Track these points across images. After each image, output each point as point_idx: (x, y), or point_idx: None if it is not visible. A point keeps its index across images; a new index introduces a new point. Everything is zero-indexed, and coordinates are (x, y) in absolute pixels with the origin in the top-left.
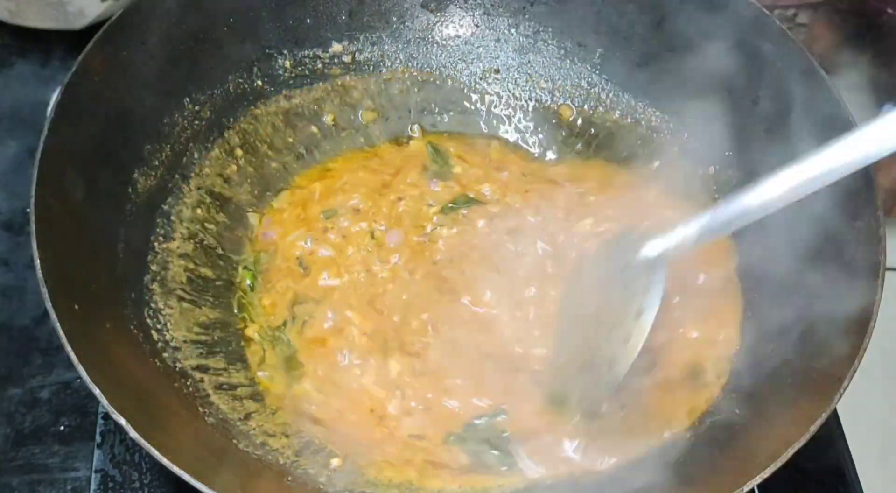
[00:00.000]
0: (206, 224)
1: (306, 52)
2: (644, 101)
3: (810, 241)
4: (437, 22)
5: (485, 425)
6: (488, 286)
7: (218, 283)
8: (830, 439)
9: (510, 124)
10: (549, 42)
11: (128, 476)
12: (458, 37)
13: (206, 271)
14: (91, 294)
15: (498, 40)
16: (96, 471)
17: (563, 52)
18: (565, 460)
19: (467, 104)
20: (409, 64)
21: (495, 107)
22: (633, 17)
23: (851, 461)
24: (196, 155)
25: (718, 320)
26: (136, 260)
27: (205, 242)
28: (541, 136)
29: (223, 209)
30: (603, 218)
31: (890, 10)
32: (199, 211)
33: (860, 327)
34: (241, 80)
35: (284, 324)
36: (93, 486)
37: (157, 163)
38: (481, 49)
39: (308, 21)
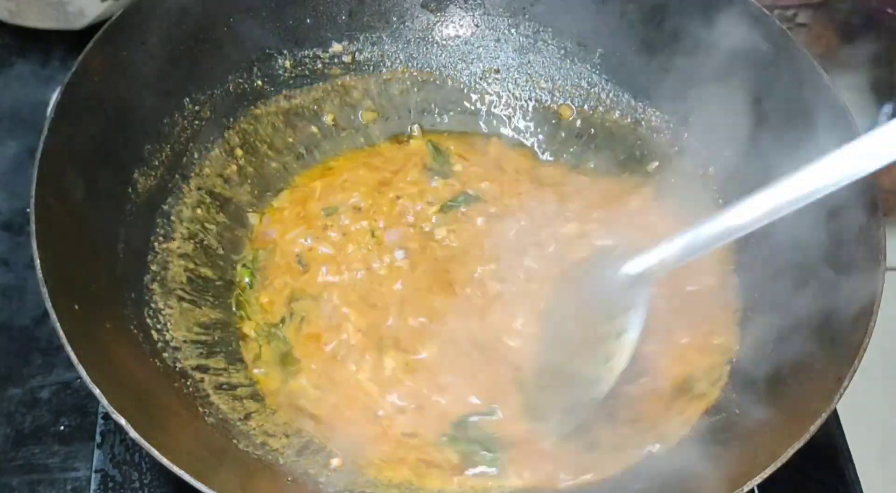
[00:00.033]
0: (206, 224)
1: (306, 52)
2: (644, 101)
3: (810, 241)
4: (437, 22)
5: (477, 424)
6: (485, 284)
7: (218, 283)
8: (830, 439)
9: (510, 125)
10: (549, 42)
11: (128, 476)
12: (458, 37)
13: (206, 271)
14: (91, 294)
15: (498, 40)
16: (96, 471)
17: (563, 52)
18: (548, 472)
19: (467, 104)
20: (409, 64)
21: (495, 107)
22: (633, 17)
23: (851, 461)
24: (196, 155)
25: (711, 326)
26: (136, 260)
27: (205, 243)
28: (540, 136)
29: (223, 209)
30: (589, 221)
31: (890, 10)
32: (199, 211)
33: (860, 327)
34: (241, 81)
35: (283, 321)
36: (93, 486)
37: (157, 163)
38: (481, 49)
39: (308, 21)
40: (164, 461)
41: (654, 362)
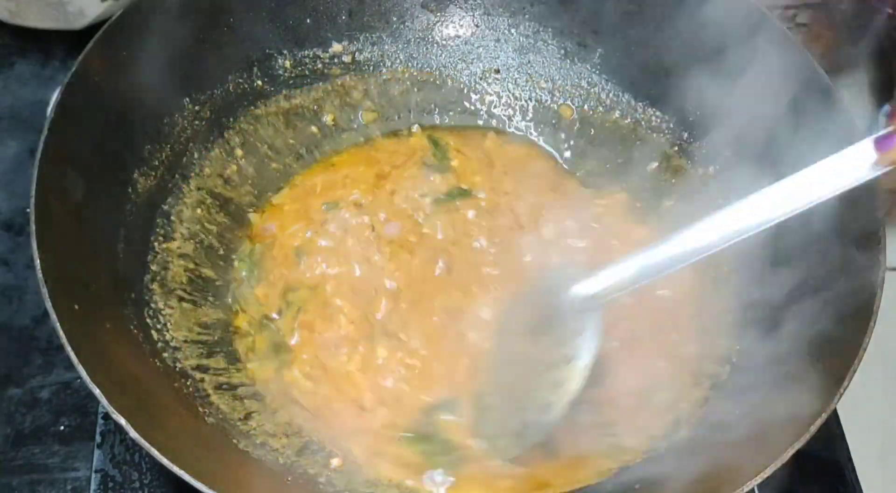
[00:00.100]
0: (207, 224)
1: (306, 52)
2: (644, 101)
3: (810, 240)
4: (437, 22)
5: (441, 426)
6: (475, 280)
7: (218, 283)
8: (830, 439)
9: (510, 125)
10: (549, 42)
11: (128, 476)
12: (458, 37)
13: (207, 271)
14: (91, 294)
15: (498, 40)
16: (96, 471)
17: (563, 52)
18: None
19: (467, 104)
20: (409, 64)
21: (495, 107)
22: (633, 17)
23: (851, 461)
24: (196, 155)
25: (679, 334)
26: (136, 260)
27: (205, 243)
28: (540, 136)
29: (223, 209)
30: (566, 225)
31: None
32: (199, 211)
33: (860, 327)
34: (241, 81)
35: (279, 312)
36: (93, 486)
37: (157, 163)
38: (481, 49)
39: (308, 21)
40: (164, 461)
41: (618, 368)
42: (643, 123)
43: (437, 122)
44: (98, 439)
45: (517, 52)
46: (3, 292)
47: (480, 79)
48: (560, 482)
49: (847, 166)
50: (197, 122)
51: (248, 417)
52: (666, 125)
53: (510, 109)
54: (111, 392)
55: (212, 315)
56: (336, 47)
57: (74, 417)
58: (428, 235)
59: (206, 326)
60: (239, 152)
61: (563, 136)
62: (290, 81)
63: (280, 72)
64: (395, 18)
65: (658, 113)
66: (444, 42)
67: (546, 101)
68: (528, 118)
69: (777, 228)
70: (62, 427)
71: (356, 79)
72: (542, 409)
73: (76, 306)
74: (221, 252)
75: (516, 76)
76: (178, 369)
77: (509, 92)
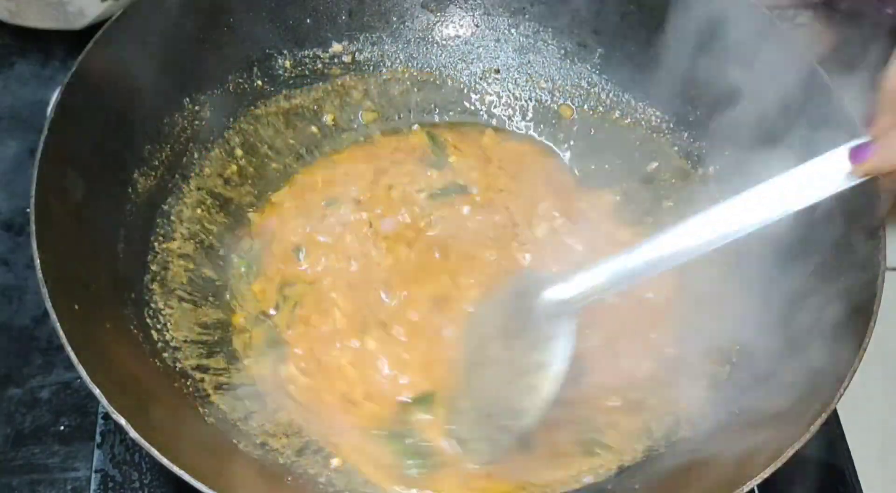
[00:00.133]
0: (207, 224)
1: (306, 52)
2: (644, 101)
3: (810, 240)
4: (437, 22)
5: (420, 425)
6: (466, 276)
7: (218, 283)
8: (830, 439)
9: (510, 125)
10: (549, 42)
11: (128, 476)
12: (458, 37)
13: (207, 271)
14: (91, 294)
15: (498, 40)
16: (96, 471)
17: (563, 52)
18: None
19: (467, 104)
20: (409, 64)
21: (495, 107)
22: (633, 17)
23: (851, 461)
24: (196, 155)
25: (658, 334)
26: (136, 260)
27: (205, 243)
28: (540, 136)
29: (223, 209)
30: (557, 230)
31: (890, 11)
32: (199, 211)
33: (860, 327)
34: (241, 81)
35: (277, 307)
36: (93, 486)
37: (157, 163)
38: (481, 49)
39: (308, 21)
40: (164, 461)
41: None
42: (643, 123)
43: (437, 122)
44: (98, 439)
45: (517, 52)
46: (3, 292)
47: (480, 79)
48: (539, 482)
49: (820, 177)
50: (197, 122)
51: (248, 417)
52: (666, 125)
53: (510, 109)
54: (111, 392)
55: (212, 315)
56: (336, 47)
57: (74, 417)
58: (423, 230)
59: (206, 326)
60: (239, 152)
61: (562, 136)
62: (290, 81)
63: (280, 72)
64: (395, 18)
65: (658, 113)
66: (444, 42)
67: (546, 101)
68: (528, 118)
69: (777, 228)
70: (62, 427)
71: (356, 79)
72: (515, 414)
73: (76, 306)
74: (221, 252)
75: (516, 76)
76: (178, 369)
77: (509, 92)
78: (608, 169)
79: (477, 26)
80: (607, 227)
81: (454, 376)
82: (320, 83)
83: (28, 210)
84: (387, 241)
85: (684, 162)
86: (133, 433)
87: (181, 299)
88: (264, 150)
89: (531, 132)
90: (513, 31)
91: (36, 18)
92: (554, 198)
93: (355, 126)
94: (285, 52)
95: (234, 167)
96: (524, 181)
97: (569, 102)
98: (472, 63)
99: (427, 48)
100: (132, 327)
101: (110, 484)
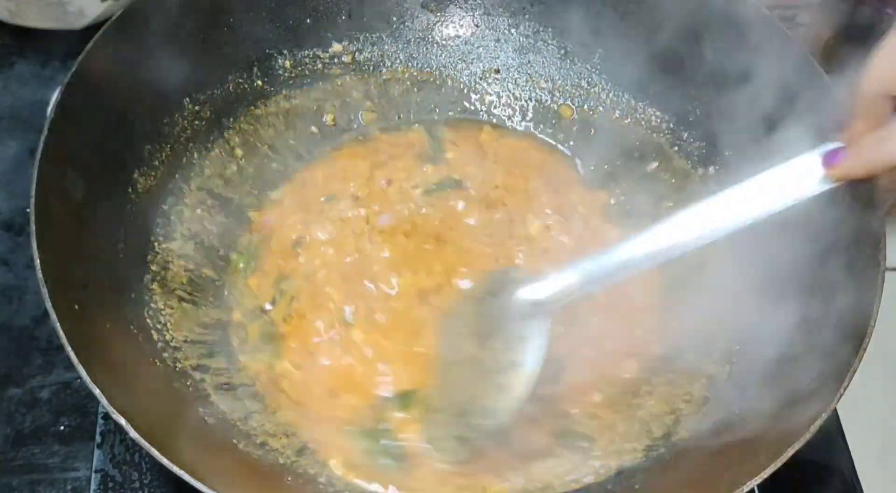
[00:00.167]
0: (207, 224)
1: (306, 52)
2: (644, 101)
3: (810, 240)
4: (437, 22)
5: (393, 421)
6: (457, 271)
7: (218, 283)
8: (830, 439)
9: (510, 125)
10: (549, 42)
11: (128, 476)
12: (458, 37)
13: (207, 271)
14: (91, 294)
15: (498, 40)
16: (96, 471)
17: (563, 52)
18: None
19: (467, 104)
20: (409, 64)
21: (495, 107)
22: (633, 17)
23: (851, 461)
24: (196, 155)
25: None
26: (136, 260)
27: (205, 243)
28: (540, 135)
29: (223, 209)
30: (551, 227)
31: (890, 11)
32: (199, 211)
33: (860, 327)
34: (241, 81)
35: (273, 301)
36: (93, 486)
37: (157, 163)
38: (481, 49)
39: (308, 21)
40: (164, 461)
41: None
42: (643, 123)
43: (437, 122)
44: (98, 439)
45: (517, 52)
46: (3, 292)
47: (480, 79)
48: (517, 479)
49: (792, 181)
50: (197, 122)
51: (248, 417)
52: (666, 125)
53: (510, 109)
54: (111, 392)
55: (212, 315)
56: (336, 47)
57: (74, 417)
58: (417, 225)
59: (206, 326)
60: (239, 152)
61: (562, 136)
62: (290, 81)
63: (280, 72)
64: (395, 18)
65: (658, 113)
66: (444, 42)
67: (546, 101)
68: (528, 118)
69: (776, 228)
70: (62, 427)
71: (356, 79)
72: (486, 414)
73: (76, 306)
74: (221, 252)
75: (516, 76)
76: (178, 369)
77: (509, 92)
78: (608, 169)
79: (477, 26)
80: (603, 226)
81: (431, 374)
82: (320, 83)
83: (28, 210)
84: (382, 235)
85: (684, 162)
86: (133, 433)
87: (181, 299)
88: (264, 150)
89: (531, 131)
90: (513, 31)
91: (36, 18)
92: (551, 195)
93: (355, 126)
94: (285, 52)
95: (234, 167)
96: (521, 178)
97: (569, 102)
98: (472, 63)
99: (427, 48)
100: (132, 327)
101: (110, 484)
